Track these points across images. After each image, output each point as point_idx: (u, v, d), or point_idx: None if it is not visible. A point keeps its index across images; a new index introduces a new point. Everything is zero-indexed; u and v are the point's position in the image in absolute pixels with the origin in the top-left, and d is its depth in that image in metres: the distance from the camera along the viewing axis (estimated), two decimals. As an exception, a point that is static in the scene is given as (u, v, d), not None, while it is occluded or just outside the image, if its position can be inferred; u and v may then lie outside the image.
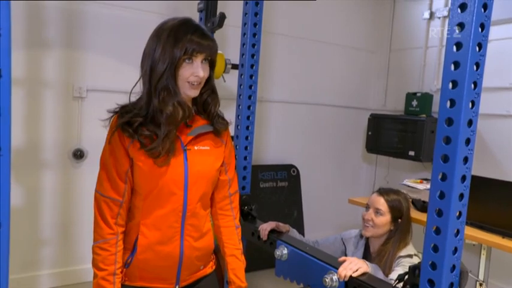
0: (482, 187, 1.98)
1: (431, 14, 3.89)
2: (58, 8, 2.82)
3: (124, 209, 1.19)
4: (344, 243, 1.96)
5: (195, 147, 1.23)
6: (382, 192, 1.86)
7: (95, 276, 1.17)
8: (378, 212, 1.81)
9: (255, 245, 1.91)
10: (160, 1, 3.09)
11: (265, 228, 1.82)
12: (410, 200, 2.68)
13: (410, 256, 1.71)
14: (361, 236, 1.92)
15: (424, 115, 3.45)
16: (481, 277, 1.95)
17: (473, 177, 2.27)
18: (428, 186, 2.53)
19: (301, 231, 3.80)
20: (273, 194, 3.74)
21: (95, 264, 1.18)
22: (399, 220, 1.81)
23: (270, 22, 3.64)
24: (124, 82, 2.95)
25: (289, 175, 3.86)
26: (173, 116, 1.15)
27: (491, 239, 1.84)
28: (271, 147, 3.92)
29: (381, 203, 1.82)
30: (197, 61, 1.16)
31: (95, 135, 3.01)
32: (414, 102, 3.63)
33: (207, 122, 1.27)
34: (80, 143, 2.99)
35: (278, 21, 3.72)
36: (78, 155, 2.98)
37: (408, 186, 3.02)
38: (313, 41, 3.98)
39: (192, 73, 1.16)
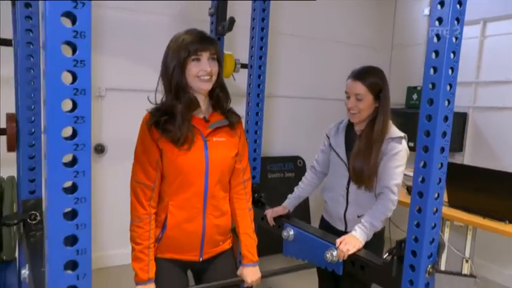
0: (468, 174, 2.17)
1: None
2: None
3: (155, 193, 1.41)
4: (328, 137, 1.99)
5: (214, 139, 1.45)
6: (355, 76, 1.80)
7: (133, 249, 1.39)
8: (358, 97, 1.77)
9: (262, 231, 2.12)
10: (173, 3, 3.30)
11: (269, 217, 2.02)
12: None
13: (400, 140, 1.74)
14: (341, 122, 1.96)
15: (422, 108, 3.63)
16: (467, 255, 2.16)
17: (462, 166, 2.46)
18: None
19: (307, 219, 4.00)
20: (280, 184, 3.93)
21: (132, 240, 1.40)
22: (380, 94, 1.78)
23: (277, 22, 3.82)
24: (139, 81, 3.19)
25: (295, 166, 4.06)
26: (184, 108, 1.39)
27: (474, 220, 2.04)
28: (279, 140, 4.12)
29: (359, 87, 1.77)
30: (204, 59, 1.40)
31: (114, 131, 3.24)
32: (415, 96, 3.81)
33: (222, 117, 1.49)
34: (100, 139, 3.22)
35: (285, 21, 3.89)
36: (99, 149, 3.21)
37: (405, 174, 3.20)
38: (318, 40, 4.14)
39: (200, 69, 1.39)
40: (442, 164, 1.31)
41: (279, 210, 2.02)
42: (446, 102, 1.26)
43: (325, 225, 2.00)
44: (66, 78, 0.74)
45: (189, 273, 1.60)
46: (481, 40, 3.62)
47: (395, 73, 4.40)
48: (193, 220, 1.44)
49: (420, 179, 1.31)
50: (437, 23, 1.25)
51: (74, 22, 0.72)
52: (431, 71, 1.27)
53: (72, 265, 0.76)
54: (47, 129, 0.72)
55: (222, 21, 2.53)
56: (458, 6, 1.22)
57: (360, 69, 1.83)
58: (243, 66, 2.64)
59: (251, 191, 2.07)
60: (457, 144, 3.70)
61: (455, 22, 1.23)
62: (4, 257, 1.94)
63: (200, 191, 1.43)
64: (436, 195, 1.31)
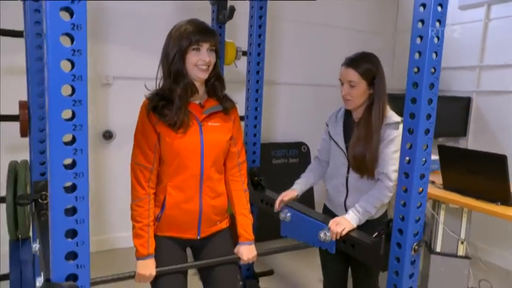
0: (461, 157, 2.21)
1: (436, -5, 4.03)
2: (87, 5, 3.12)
3: (154, 174, 1.50)
4: (328, 126, 2.01)
5: (209, 124, 1.53)
6: (348, 63, 1.81)
7: (133, 227, 1.49)
8: (351, 84, 1.78)
9: (265, 216, 2.16)
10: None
11: (278, 202, 1.99)
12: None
13: (397, 125, 1.75)
14: (339, 110, 1.97)
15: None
16: (462, 237, 2.21)
17: (455, 149, 2.49)
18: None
19: (311, 205, 4.07)
20: (284, 170, 4.00)
21: (133, 218, 1.49)
22: (375, 81, 1.79)
23: (279, 8, 3.85)
24: (144, 70, 3.25)
25: (299, 152, 4.12)
26: (183, 92, 1.47)
27: (467, 202, 2.08)
28: (283, 126, 4.18)
29: (351, 74, 1.78)
30: (203, 49, 1.48)
31: (121, 117, 3.34)
32: (418, 82, 3.81)
33: (217, 103, 1.57)
34: (108, 125, 3.33)
35: (286, 7, 3.91)
36: (107, 135, 3.32)
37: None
38: (321, 25, 4.16)
39: (200, 58, 1.47)
40: (427, 146, 1.36)
41: (288, 194, 2.02)
42: (431, 86, 1.32)
43: (327, 213, 2.01)
44: (65, 66, 0.82)
45: (189, 250, 1.68)
46: (486, 23, 3.60)
47: (399, 58, 4.41)
48: (191, 201, 1.52)
49: (406, 160, 1.38)
50: (421, 8, 1.29)
51: (71, 16, 0.80)
52: (416, 55, 1.31)
53: (72, 233, 0.85)
54: (48, 112, 0.81)
55: (222, 10, 2.59)
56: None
57: (353, 56, 1.84)
58: (244, 53, 2.70)
59: (249, 174, 2.17)
60: (461, 129, 3.73)
61: (439, 8, 1.28)
62: (19, 235, 2.06)
63: (196, 173, 1.51)
64: (420, 175, 1.37)
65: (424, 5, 1.28)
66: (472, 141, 3.70)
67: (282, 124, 4.18)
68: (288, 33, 4.03)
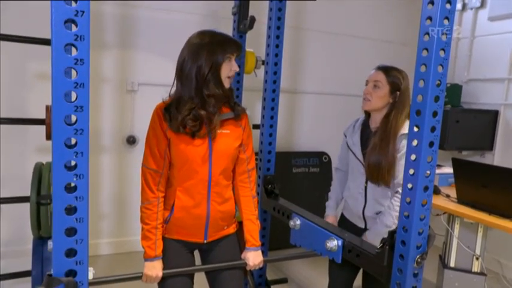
0: (475, 171, 2.16)
1: (464, 6, 3.96)
2: (114, 14, 3.26)
3: (163, 178, 1.55)
4: (346, 136, 2.05)
5: (218, 131, 1.56)
6: (380, 67, 1.90)
7: (142, 229, 1.55)
8: (376, 85, 1.85)
9: (279, 224, 2.17)
10: (200, 3, 3.46)
11: None
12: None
13: None
14: (357, 120, 2.03)
15: (449, 106, 3.59)
16: (477, 252, 2.15)
17: (469, 163, 2.45)
18: (438, 171, 2.72)
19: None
20: (305, 179, 4.00)
21: (142, 220, 1.55)
22: (398, 92, 1.85)
23: (304, 18, 3.88)
24: (168, 76, 3.35)
25: (320, 162, 4.11)
26: (219, 99, 1.52)
27: (480, 216, 2.03)
28: (304, 135, 4.18)
29: (380, 76, 1.86)
30: (233, 59, 1.53)
31: (145, 123, 3.40)
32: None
33: (229, 110, 1.60)
34: (132, 131, 3.44)
35: (311, 17, 3.94)
36: (131, 140, 3.43)
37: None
38: (346, 36, 4.15)
39: (231, 69, 1.52)
40: (431, 158, 1.35)
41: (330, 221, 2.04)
42: (436, 98, 1.31)
43: (345, 222, 2.03)
44: (68, 73, 0.88)
45: (197, 253, 1.72)
46: (515, 35, 3.51)
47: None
48: (199, 206, 1.56)
49: (411, 172, 1.37)
50: (428, 21, 1.30)
51: (75, 27, 0.86)
52: (422, 67, 1.31)
53: (72, 231, 0.91)
54: (52, 117, 0.87)
55: (243, 19, 2.65)
56: (447, 5, 1.27)
57: (387, 65, 1.92)
58: (264, 62, 2.74)
59: (264, 182, 2.19)
60: (488, 143, 3.62)
61: (445, 20, 1.28)
62: (42, 234, 2.16)
63: (204, 179, 1.55)
64: (425, 187, 1.36)
65: (430, 18, 1.29)
66: (499, 156, 3.59)
67: (305, 133, 4.18)
68: (314, 43, 4.04)
